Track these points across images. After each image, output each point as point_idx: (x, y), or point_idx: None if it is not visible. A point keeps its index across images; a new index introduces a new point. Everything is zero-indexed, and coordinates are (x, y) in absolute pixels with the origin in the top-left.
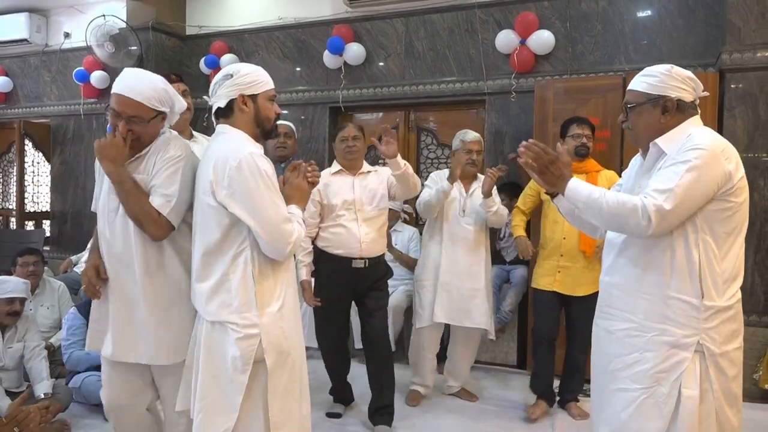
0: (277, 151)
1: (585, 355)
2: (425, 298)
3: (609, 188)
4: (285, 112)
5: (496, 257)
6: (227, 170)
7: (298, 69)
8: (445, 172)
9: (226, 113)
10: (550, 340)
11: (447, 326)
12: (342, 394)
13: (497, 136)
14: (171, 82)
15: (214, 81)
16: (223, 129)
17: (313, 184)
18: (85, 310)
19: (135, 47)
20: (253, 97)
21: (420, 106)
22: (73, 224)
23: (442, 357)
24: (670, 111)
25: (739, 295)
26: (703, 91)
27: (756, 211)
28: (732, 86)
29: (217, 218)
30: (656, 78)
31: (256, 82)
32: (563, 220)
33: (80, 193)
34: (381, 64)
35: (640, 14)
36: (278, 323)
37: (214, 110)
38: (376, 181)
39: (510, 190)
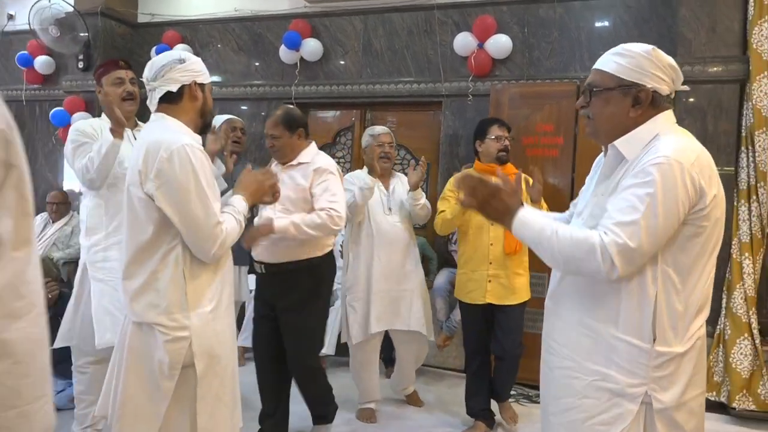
0: (233, 146)
1: (511, 363)
2: (360, 310)
3: (525, 191)
4: (244, 107)
5: (449, 261)
6: (157, 161)
7: (253, 63)
8: (360, 173)
9: (174, 99)
10: (484, 355)
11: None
12: (267, 419)
13: (453, 138)
14: (119, 68)
15: (158, 64)
16: (160, 117)
17: (275, 198)
18: None
19: (82, 33)
20: (202, 87)
21: (376, 106)
22: None
23: (389, 361)
24: (643, 104)
25: (702, 331)
26: (682, 84)
27: None
28: (682, 99)
29: (146, 212)
30: (632, 60)
31: (204, 72)
32: (488, 225)
33: None
34: (338, 61)
35: (597, 24)
36: (210, 325)
37: (159, 95)
38: (297, 177)
39: None
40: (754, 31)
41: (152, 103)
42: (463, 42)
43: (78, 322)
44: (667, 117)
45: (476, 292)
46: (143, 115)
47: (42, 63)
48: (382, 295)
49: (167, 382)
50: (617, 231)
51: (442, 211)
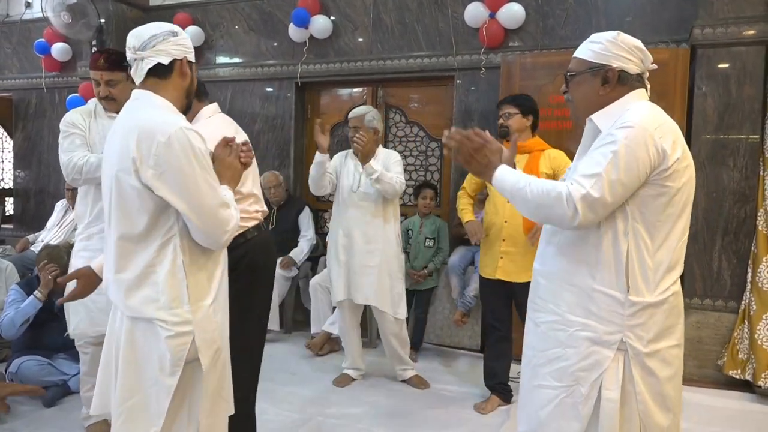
0: None
1: None
2: (332, 277)
3: (552, 168)
4: (257, 88)
5: (462, 239)
6: (154, 146)
7: (263, 42)
8: (344, 153)
9: (164, 73)
10: (501, 330)
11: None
12: None
13: (466, 114)
14: (97, 68)
15: (147, 33)
16: (143, 94)
17: (246, 165)
18: (27, 287)
19: (94, 18)
20: (191, 65)
21: (388, 82)
22: (36, 202)
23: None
24: (611, 82)
25: (676, 287)
26: (651, 64)
27: (725, 193)
28: (703, 63)
29: (140, 201)
30: (600, 45)
31: (192, 50)
32: (504, 203)
33: (44, 170)
34: (348, 38)
35: None
36: (212, 318)
37: (148, 66)
38: None
39: None
40: None
41: (139, 74)
42: (475, 12)
43: (72, 306)
44: (639, 95)
45: (489, 267)
46: None
47: (59, 50)
48: (346, 267)
49: (169, 379)
50: (581, 181)
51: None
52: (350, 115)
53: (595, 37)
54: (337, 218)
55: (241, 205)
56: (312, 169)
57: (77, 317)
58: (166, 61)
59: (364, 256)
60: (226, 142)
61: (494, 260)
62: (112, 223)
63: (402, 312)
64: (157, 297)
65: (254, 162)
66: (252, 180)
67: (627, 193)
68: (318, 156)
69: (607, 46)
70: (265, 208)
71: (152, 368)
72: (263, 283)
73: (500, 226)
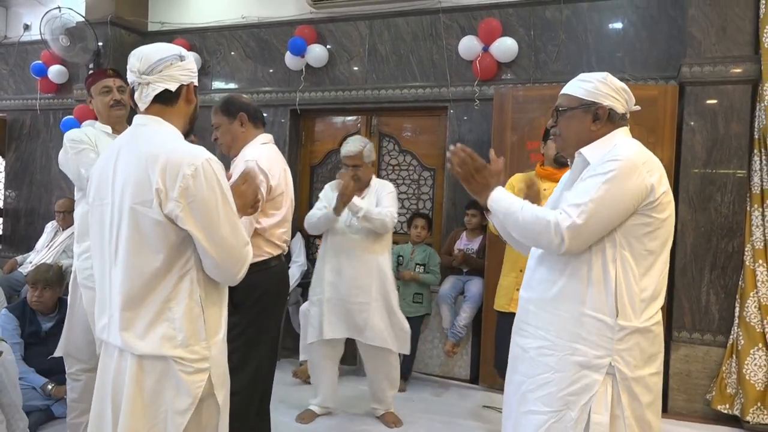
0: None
1: None
2: (314, 315)
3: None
4: None
5: (451, 269)
6: (180, 178)
7: (260, 69)
8: (335, 184)
9: (170, 100)
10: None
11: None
12: None
13: (459, 144)
14: (107, 76)
15: (153, 57)
16: (152, 120)
17: (254, 209)
18: (19, 311)
19: (93, 42)
20: (195, 89)
21: (382, 111)
22: (26, 222)
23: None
24: (601, 119)
25: (658, 317)
26: (634, 105)
27: (713, 227)
28: (691, 100)
29: (161, 235)
30: (591, 84)
31: (197, 74)
32: None
33: (35, 191)
34: (343, 67)
35: (604, 25)
36: (224, 352)
37: (154, 92)
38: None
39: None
40: (766, 30)
41: (144, 100)
42: (469, 45)
43: (71, 329)
44: (625, 131)
45: (503, 299)
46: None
47: (55, 72)
48: (335, 303)
49: (180, 418)
50: (569, 210)
51: None
52: (345, 152)
53: (585, 76)
54: (327, 253)
55: (278, 230)
56: (317, 219)
57: (74, 335)
58: (173, 87)
59: (357, 293)
60: (247, 174)
61: (509, 292)
62: (119, 258)
63: (407, 348)
64: (173, 334)
65: (290, 186)
66: (290, 204)
67: (613, 222)
68: (332, 215)
69: (597, 86)
70: (289, 236)
71: (162, 408)
72: (278, 312)
73: (516, 255)
